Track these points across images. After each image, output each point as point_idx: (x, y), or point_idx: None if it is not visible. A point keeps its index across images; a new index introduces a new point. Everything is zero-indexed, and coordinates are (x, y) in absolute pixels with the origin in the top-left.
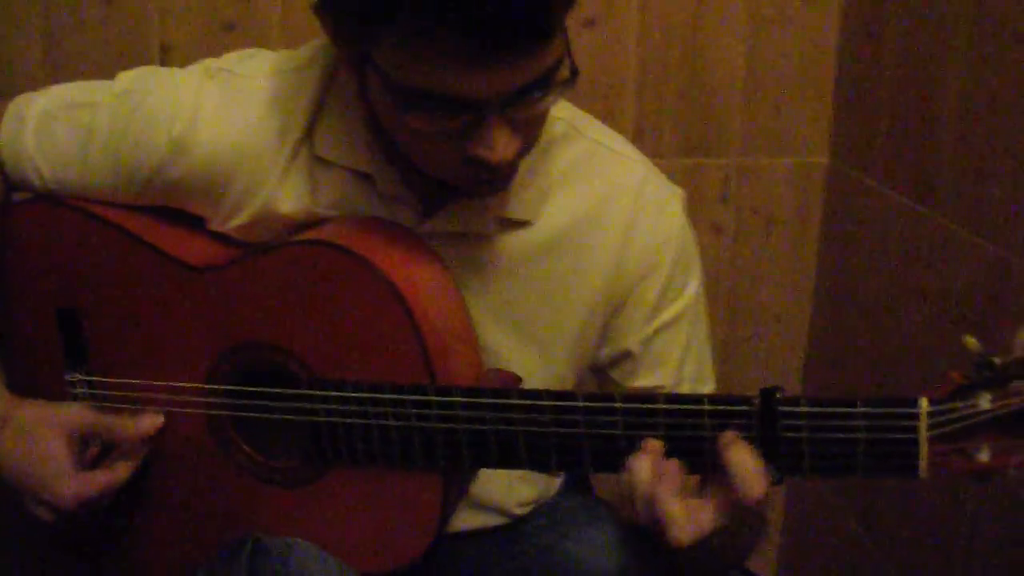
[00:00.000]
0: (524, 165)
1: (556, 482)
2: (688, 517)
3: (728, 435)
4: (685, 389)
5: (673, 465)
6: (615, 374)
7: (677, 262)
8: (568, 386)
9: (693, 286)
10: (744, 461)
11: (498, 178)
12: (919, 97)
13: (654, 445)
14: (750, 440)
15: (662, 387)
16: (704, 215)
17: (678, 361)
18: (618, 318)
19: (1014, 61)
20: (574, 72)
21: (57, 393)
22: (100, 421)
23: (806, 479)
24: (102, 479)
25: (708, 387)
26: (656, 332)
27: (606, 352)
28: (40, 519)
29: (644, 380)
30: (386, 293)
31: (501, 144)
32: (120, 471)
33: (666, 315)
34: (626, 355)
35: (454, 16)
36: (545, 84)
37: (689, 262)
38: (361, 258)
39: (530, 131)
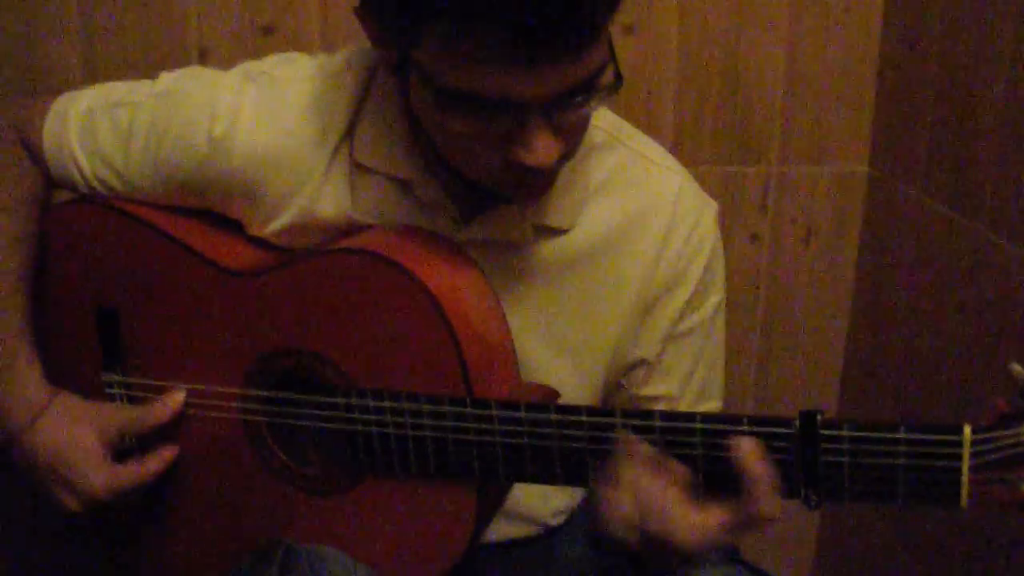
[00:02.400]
0: (563, 173)
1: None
2: (695, 524)
3: (751, 445)
4: (687, 401)
5: (680, 469)
6: (626, 380)
7: (704, 276)
8: (598, 396)
9: (714, 300)
10: (765, 476)
11: (538, 183)
12: (960, 106)
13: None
14: (788, 463)
15: (666, 395)
16: (742, 224)
17: (687, 371)
18: (641, 328)
19: None
20: (619, 77)
21: (93, 393)
22: (131, 414)
23: (845, 504)
24: (132, 472)
25: (712, 404)
26: (670, 341)
27: (625, 360)
28: (65, 507)
29: (652, 388)
30: (426, 303)
31: (543, 148)
32: (150, 465)
33: (684, 326)
34: (641, 363)
35: (498, 17)
36: (589, 88)
37: (715, 277)
38: (402, 267)
39: (572, 136)
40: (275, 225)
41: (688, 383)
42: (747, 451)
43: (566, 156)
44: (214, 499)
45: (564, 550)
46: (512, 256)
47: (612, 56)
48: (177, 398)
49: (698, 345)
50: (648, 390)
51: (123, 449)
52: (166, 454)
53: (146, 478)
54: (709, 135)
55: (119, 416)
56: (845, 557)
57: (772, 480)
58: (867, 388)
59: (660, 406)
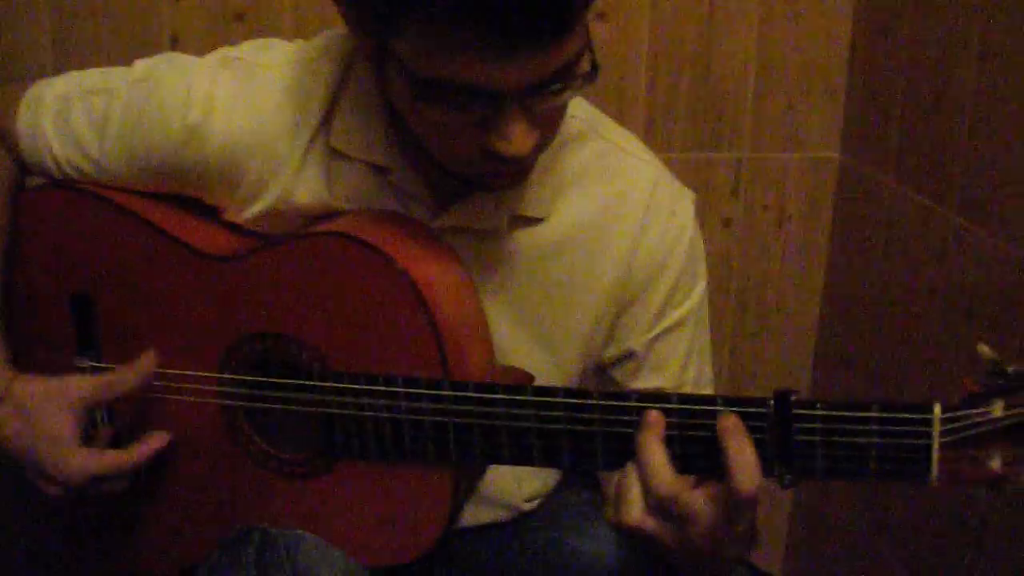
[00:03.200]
0: (539, 163)
1: (556, 474)
2: (667, 465)
3: (731, 420)
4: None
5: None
6: (616, 374)
7: (686, 265)
8: (574, 383)
9: (699, 290)
10: (743, 451)
11: (514, 171)
12: (932, 92)
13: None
14: (763, 442)
15: (663, 389)
16: (714, 210)
17: (680, 364)
18: (624, 318)
19: None
20: (595, 66)
21: None
22: (99, 382)
23: (818, 482)
24: (112, 458)
25: (707, 392)
26: (661, 334)
27: (610, 351)
28: (46, 493)
29: (645, 382)
30: (402, 285)
31: (519, 136)
32: (134, 453)
33: (672, 317)
34: (629, 355)
35: (475, 6)
36: (565, 77)
37: (697, 266)
38: (378, 250)
39: (548, 125)
40: (252, 211)
41: (683, 376)
42: (726, 427)
43: (542, 145)
44: (189, 484)
45: (537, 535)
46: (487, 244)
47: (589, 45)
48: (147, 363)
49: (688, 337)
50: (641, 384)
51: (95, 421)
52: (154, 443)
53: (129, 465)
54: (681, 121)
55: (85, 387)
56: (816, 541)
57: (749, 455)
58: (839, 371)
59: None
